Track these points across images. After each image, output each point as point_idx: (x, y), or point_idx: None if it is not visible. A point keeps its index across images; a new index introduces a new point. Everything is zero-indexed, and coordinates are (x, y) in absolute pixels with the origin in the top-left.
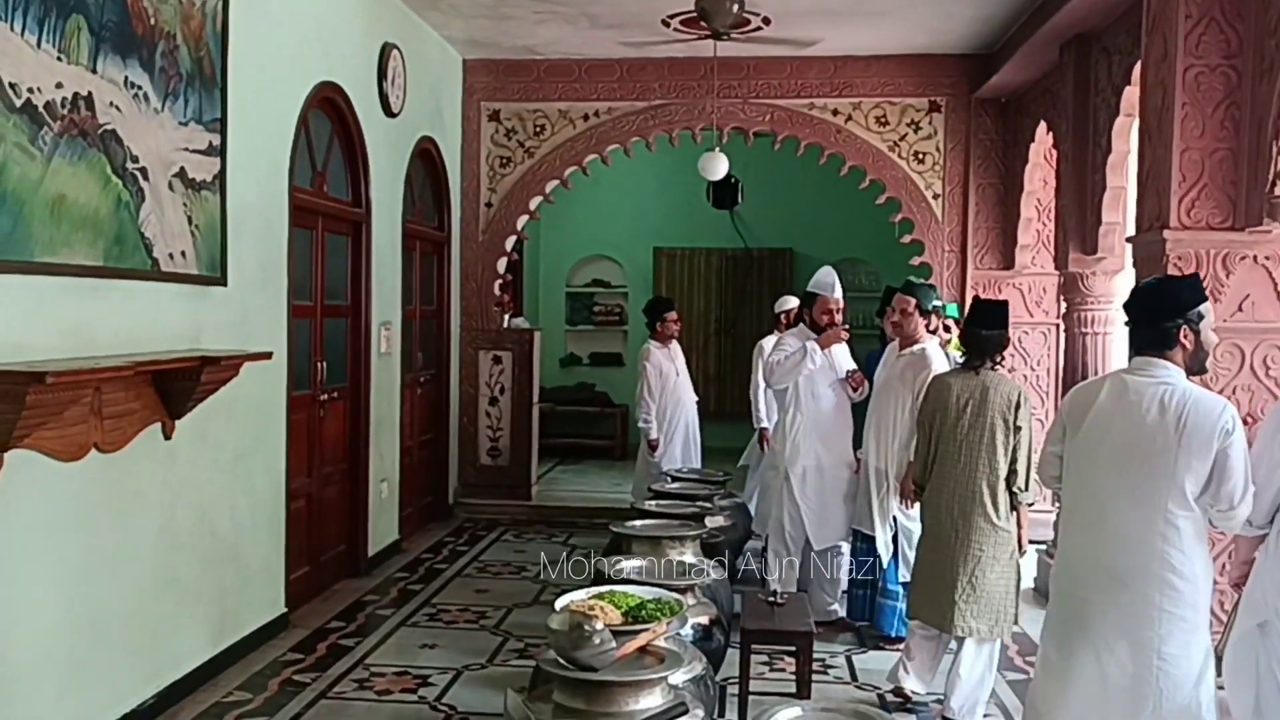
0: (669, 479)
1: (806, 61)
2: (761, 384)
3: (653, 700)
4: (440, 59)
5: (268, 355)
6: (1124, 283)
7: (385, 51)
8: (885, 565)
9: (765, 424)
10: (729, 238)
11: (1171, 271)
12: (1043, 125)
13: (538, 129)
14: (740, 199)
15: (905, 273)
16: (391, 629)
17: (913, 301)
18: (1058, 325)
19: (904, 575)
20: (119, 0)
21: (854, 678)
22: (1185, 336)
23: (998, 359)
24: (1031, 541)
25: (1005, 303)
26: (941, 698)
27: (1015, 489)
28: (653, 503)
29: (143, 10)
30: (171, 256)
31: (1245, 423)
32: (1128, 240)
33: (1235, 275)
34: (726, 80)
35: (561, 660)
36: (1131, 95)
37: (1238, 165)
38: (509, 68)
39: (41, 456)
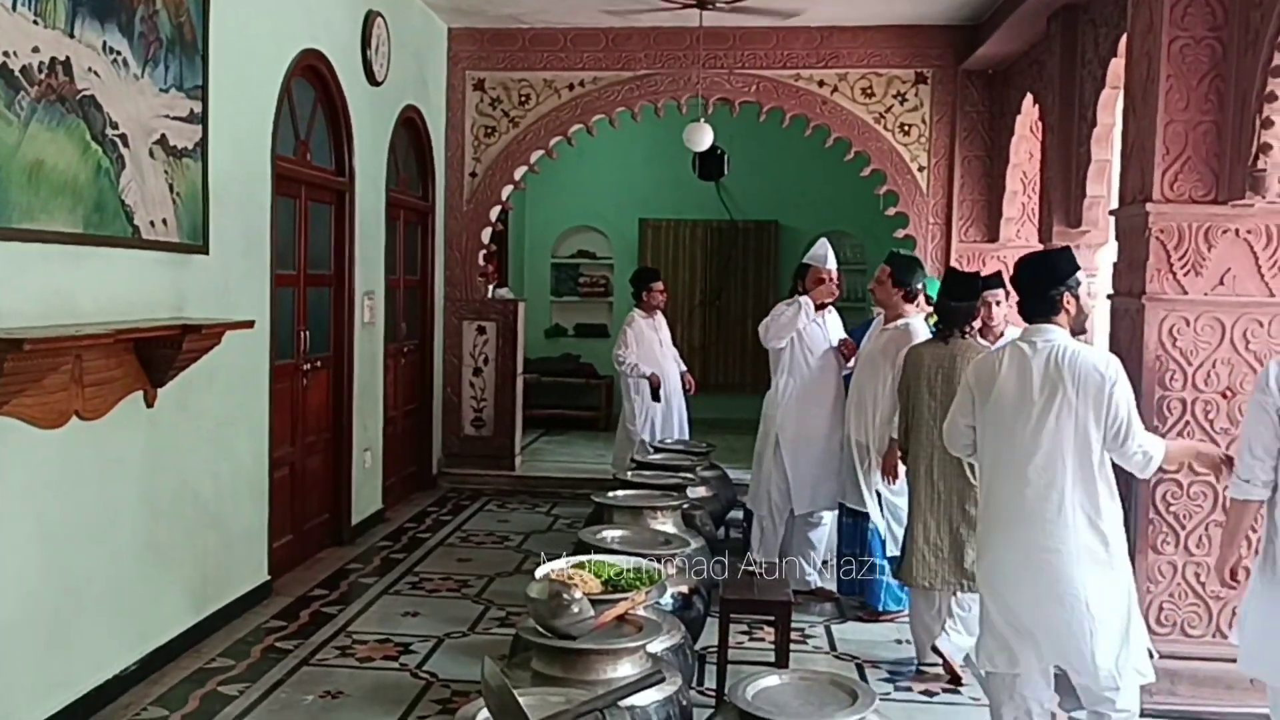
0: (651, 449)
1: (793, 32)
2: None
3: (630, 668)
4: (425, 27)
5: (250, 324)
6: (1108, 256)
7: (369, 19)
8: (869, 537)
9: None
10: (715, 209)
11: (1154, 246)
12: (1029, 97)
13: (523, 98)
14: (726, 170)
15: (890, 245)
16: (374, 597)
17: (887, 270)
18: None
19: (891, 550)
20: None
21: (832, 647)
22: (1068, 302)
23: (966, 329)
24: None
25: (976, 274)
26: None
27: None
28: (635, 473)
29: None
30: (153, 224)
31: (1224, 396)
32: (1111, 213)
33: (1217, 249)
34: (712, 50)
35: (540, 628)
36: (1118, 67)
37: (1221, 138)
38: (494, 37)
39: (21, 424)
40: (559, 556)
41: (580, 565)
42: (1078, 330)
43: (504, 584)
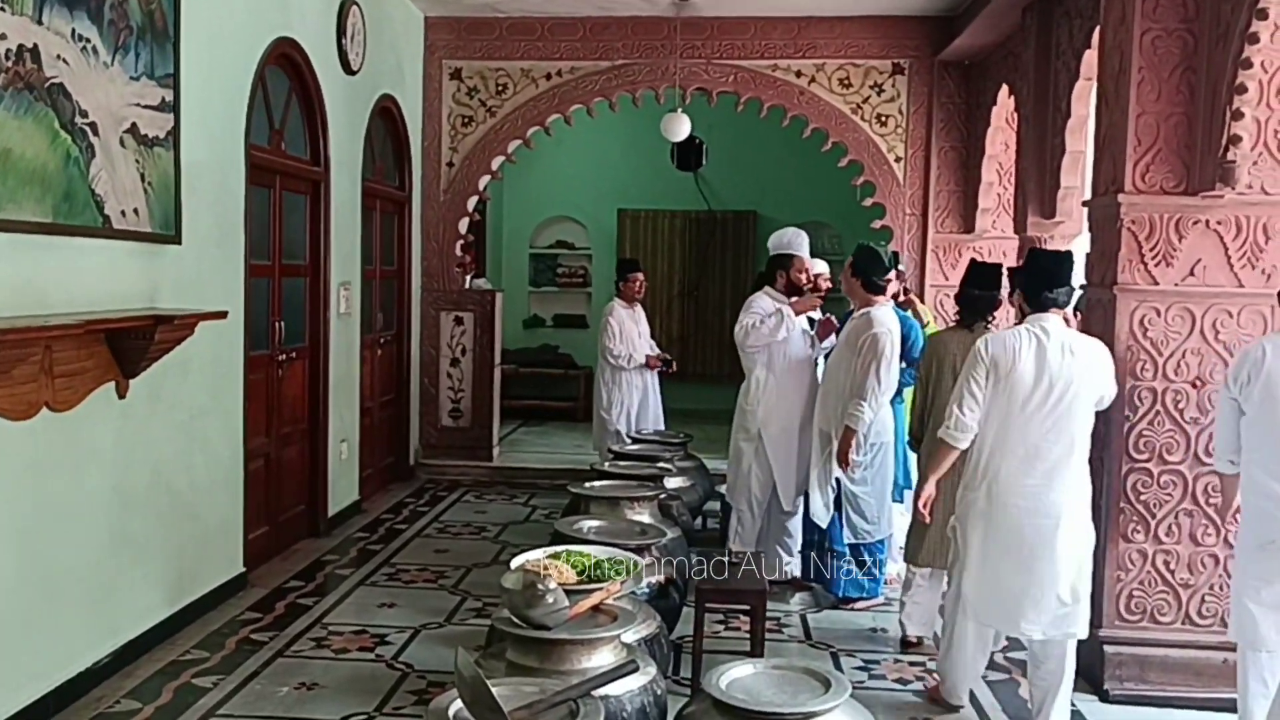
0: (628, 439)
1: (770, 22)
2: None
3: (604, 658)
4: (401, 16)
5: (223, 314)
6: (1081, 246)
7: (344, 8)
8: (825, 527)
9: None
10: (693, 200)
11: (1125, 236)
12: (1005, 88)
13: (500, 88)
14: (704, 161)
15: (867, 236)
16: (350, 588)
17: (849, 261)
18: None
19: (849, 537)
20: None
21: (808, 636)
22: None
23: (990, 318)
24: None
25: (999, 265)
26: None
27: None
28: (612, 464)
29: None
30: (124, 214)
31: (1194, 386)
32: (1084, 204)
33: (1187, 240)
34: (690, 40)
35: (514, 619)
36: (1091, 59)
37: (1192, 130)
38: (471, 25)
39: None
40: (536, 547)
41: (556, 556)
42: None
43: (481, 575)
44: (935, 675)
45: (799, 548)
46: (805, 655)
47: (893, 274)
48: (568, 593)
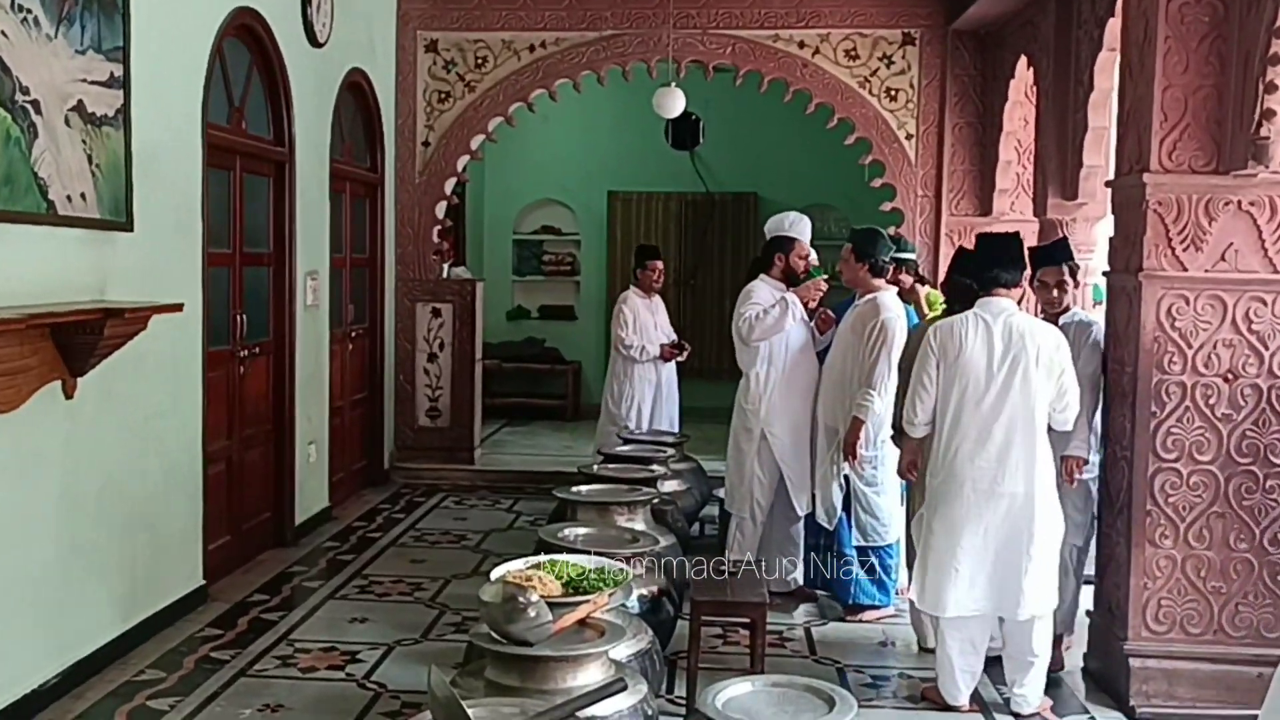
0: (621, 440)
1: None
2: None
3: (591, 676)
4: None
5: (179, 307)
6: (1105, 230)
7: None
8: (838, 528)
9: None
10: (689, 181)
11: (1151, 219)
12: (1023, 60)
13: (479, 61)
14: (701, 139)
15: (876, 219)
16: (319, 602)
17: (849, 246)
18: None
19: (857, 539)
20: None
21: (812, 651)
22: (1020, 282)
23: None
24: None
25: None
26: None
27: None
28: (602, 466)
29: None
30: (70, 199)
31: (1225, 380)
32: (1107, 184)
33: (1218, 222)
34: (684, 9)
35: (494, 634)
36: (1115, 28)
37: (1223, 104)
38: None
39: None
40: (519, 556)
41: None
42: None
43: (460, 586)
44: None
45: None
46: (809, 671)
47: (894, 262)
48: (552, 606)
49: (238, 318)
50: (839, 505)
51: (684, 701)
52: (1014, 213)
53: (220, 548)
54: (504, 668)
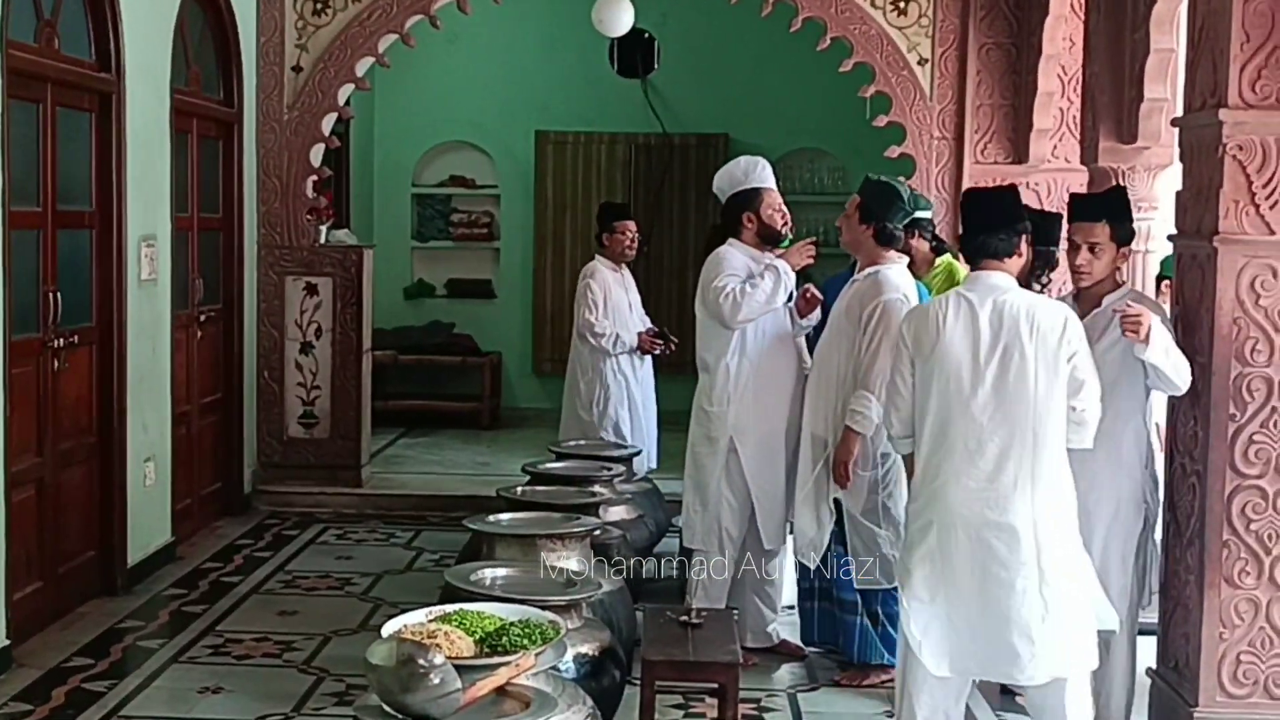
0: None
1: None
2: None
3: None
4: None
5: None
6: (1172, 183)
7: None
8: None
9: None
10: (641, 119)
11: (1230, 168)
12: None
13: None
14: (655, 64)
15: (879, 167)
16: (160, 666)
17: (856, 200)
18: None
19: (859, 581)
20: None
21: None
22: (1020, 248)
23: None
24: None
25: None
26: None
27: None
28: (528, 489)
29: None
30: None
31: None
32: (1173, 123)
33: None
34: None
35: (386, 707)
36: None
37: None
38: None
39: None
40: (420, 606)
41: (446, 618)
42: (1023, 281)
43: (344, 646)
44: None
45: (786, 601)
46: None
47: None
48: (461, 670)
49: (50, 296)
50: (825, 538)
51: None
52: (1057, 159)
53: (28, 597)
54: None
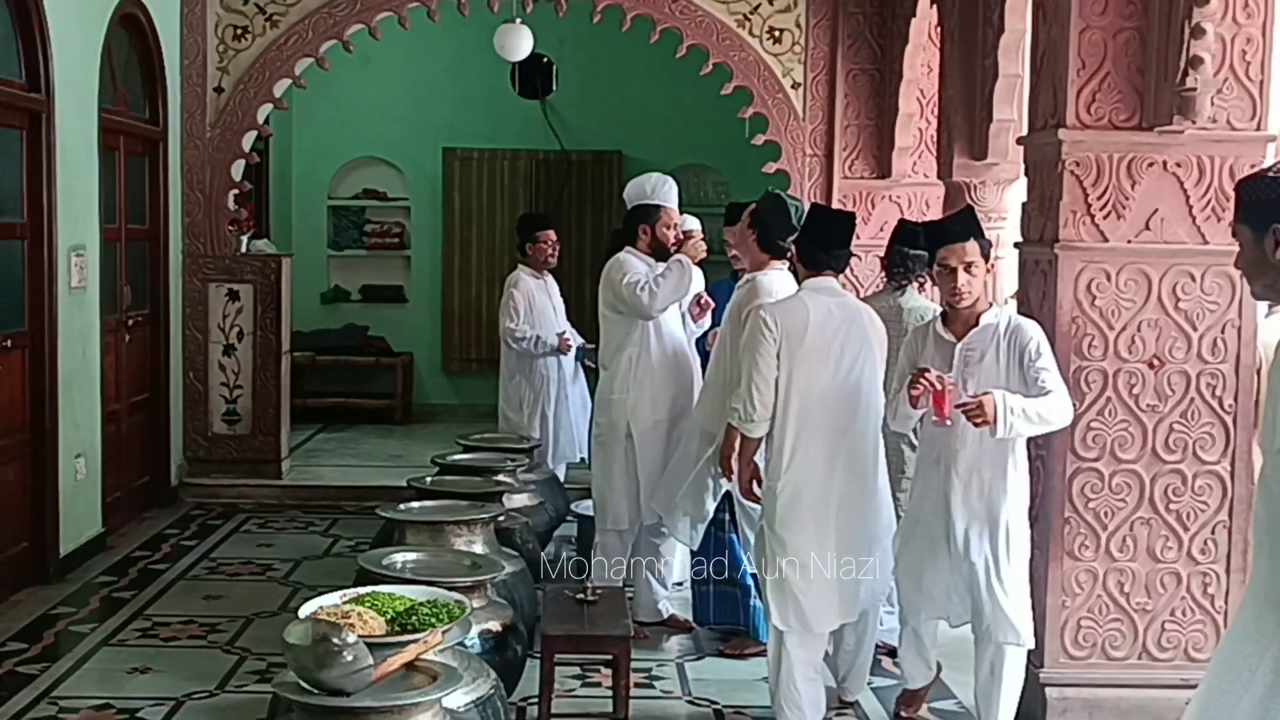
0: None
1: None
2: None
3: None
4: None
5: None
6: (1017, 195)
7: None
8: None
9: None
10: (541, 137)
11: (1068, 182)
12: None
13: None
14: (554, 86)
15: (760, 181)
16: (90, 650)
17: (752, 206)
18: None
19: (749, 563)
20: None
21: (686, 691)
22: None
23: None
24: None
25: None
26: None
27: None
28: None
29: None
30: None
31: (1150, 366)
32: (1019, 141)
33: (1142, 185)
34: None
35: (303, 683)
36: None
37: (1146, 49)
38: None
39: None
40: (336, 589)
41: (360, 600)
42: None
43: (265, 627)
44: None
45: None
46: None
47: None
48: (372, 647)
49: None
50: (700, 523)
51: None
52: (916, 175)
53: None
54: None
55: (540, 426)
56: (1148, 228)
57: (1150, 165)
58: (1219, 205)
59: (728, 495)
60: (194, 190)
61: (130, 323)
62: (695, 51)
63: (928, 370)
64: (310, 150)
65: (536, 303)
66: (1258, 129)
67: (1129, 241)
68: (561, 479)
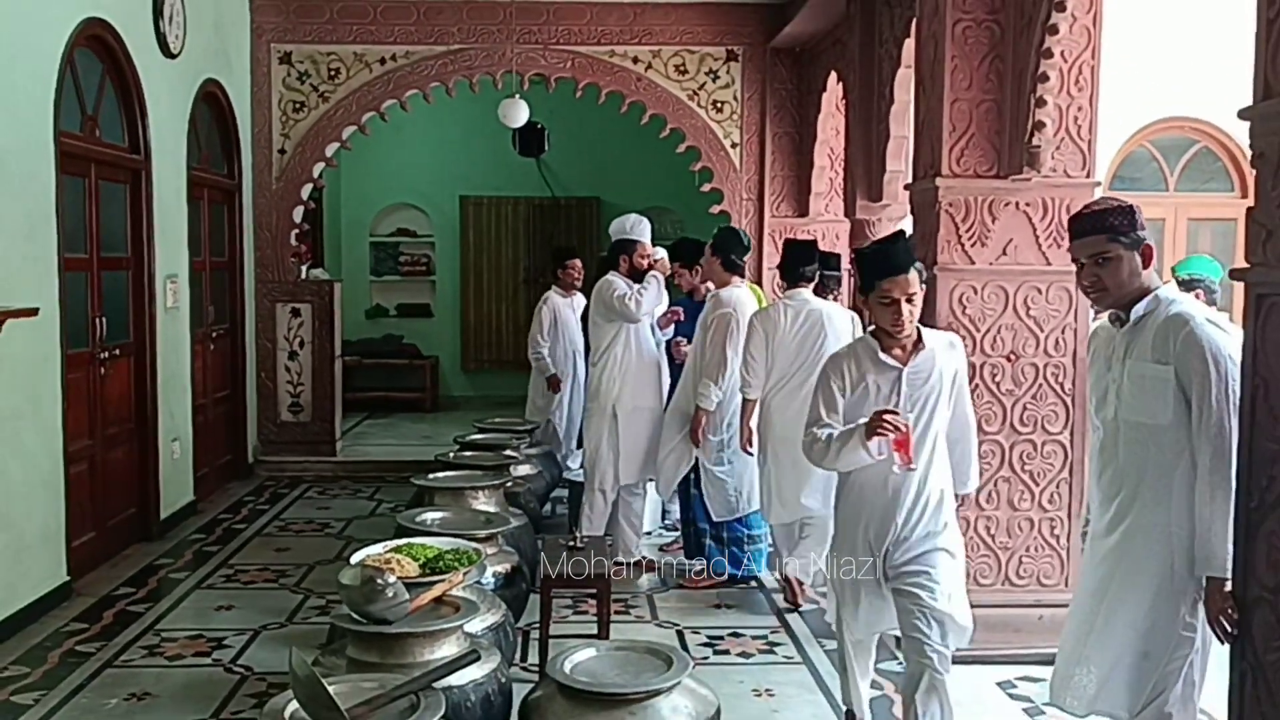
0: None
1: (606, 8)
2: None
3: (448, 649)
4: None
5: (33, 312)
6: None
7: None
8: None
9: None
10: (536, 186)
11: (944, 218)
12: (834, 75)
13: (332, 72)
14: (546, 146)
15: (707, 220)
16: (185, 592)
17: (711, 242)
18: (849, 271)
19: (714, 515)
20: None
21: (654, 616)
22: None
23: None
24: None
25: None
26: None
27: None
28: (457, 454)
29: None
30: None
31: (1009, 359)
32: (905, 188)
33: (1000, 220)
34: (526, 25)
35: (354, 615)
36: (911, 47)
37: (1001, 116)
38: (300, 8)
39: None
40: (378, 541)
41: (398, 549)
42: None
43: (324, 572)
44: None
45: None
46: (651, 635)
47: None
48: (409, 586)
49: (97, 320)
50: (674, 482)
51: (537, 669)
52: (828, 214)
53: (85, 544)
54: (364, 646)
55: (558, 416)
56: (1005, 253)
57: (1006, 205)
58: (1059, 235)
59: (697, 460)
60: (263, 230)
61: (214, 335)
62: (656, 119)
63: (890, 413)
64: (355, 198)
65: (561, 317)
66: (1087, 176)
67: (991, 264)
68: (576, 448)
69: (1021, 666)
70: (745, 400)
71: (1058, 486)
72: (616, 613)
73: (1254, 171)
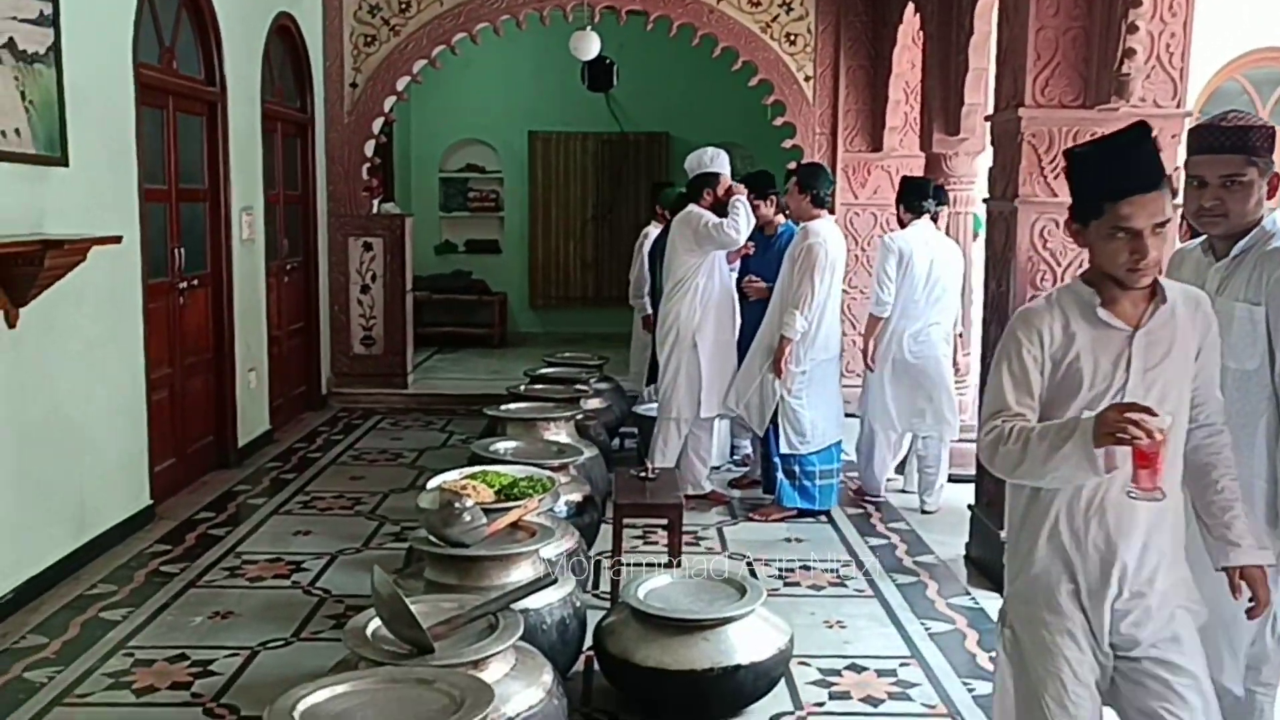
0: (547, 364)
1: None
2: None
3: (523, 573)
4: None
5: (117, 239)
6: (984, 163)
7: None
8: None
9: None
10: (605, 121)
11: (1026, 150)
12: (910, 6)
13: (403, 6)
14: (615, 81)
15: (779, 155)
16: (264, 518)
17: (794, 180)
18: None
19: (784, 447)
20: None
21: (724, 547)
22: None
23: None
24: None
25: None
26: None
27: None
28: (528, 387)
29: None
30: (4, 134)
31: None
32: (986, 119)
33: None
34: None
35: (432, 538)
36: None
37: (1089, 44)
38: None
39: None
40: (453, 470)
41: (473, 476)
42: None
43: (398, 500)
44: None
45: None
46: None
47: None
48: (485, 511)
49: (176, 251)
50: (769, 413)
51: (609, 595)
52: (902, 149)
53: (166, 469)
54: (442, 568)
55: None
56: None
57: (1092, 135)
58: None
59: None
60: (335, 164)
61: (288, 267)
62: (728, 52)
63: (1139, 408)
64: (425, 133)
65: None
66: (1178, 106)
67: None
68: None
69: None
70: (873, 318)
71: None
72: (686, 544)
73: None
